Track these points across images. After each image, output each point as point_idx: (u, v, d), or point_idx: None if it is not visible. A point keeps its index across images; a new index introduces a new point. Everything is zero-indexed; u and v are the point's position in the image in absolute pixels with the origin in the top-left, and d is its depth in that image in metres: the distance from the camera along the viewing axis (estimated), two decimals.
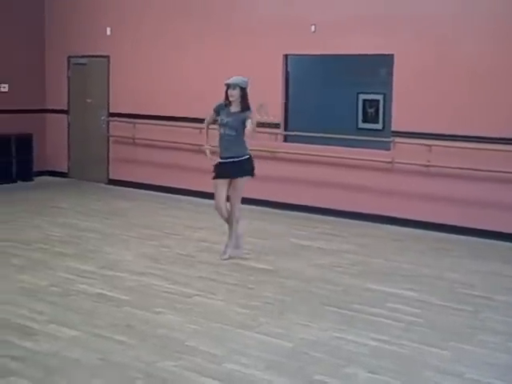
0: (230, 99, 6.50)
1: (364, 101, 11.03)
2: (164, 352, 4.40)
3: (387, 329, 4.92)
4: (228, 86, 6.52)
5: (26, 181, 11.36)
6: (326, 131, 9.30)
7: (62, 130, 11.82)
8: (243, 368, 4.17)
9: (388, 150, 8.73)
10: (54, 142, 11.98)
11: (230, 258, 6.72)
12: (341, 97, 10.91)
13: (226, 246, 6.81)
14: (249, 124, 6.36)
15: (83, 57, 11.36)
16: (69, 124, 11.77)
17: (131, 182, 10.81)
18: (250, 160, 6.63)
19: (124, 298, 5.49)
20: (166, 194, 10.32)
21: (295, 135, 9.63)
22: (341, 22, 8.92)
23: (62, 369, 4.11)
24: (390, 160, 8.59)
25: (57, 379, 3.96)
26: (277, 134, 9.52)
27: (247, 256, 6.90)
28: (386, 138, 8.98)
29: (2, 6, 11.09)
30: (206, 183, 9.93)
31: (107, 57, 11.05)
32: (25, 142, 11.35)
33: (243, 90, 6.50)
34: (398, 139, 8.56)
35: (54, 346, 4.45)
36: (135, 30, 10.75)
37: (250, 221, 8.72)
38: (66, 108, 11.74)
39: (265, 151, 9.42)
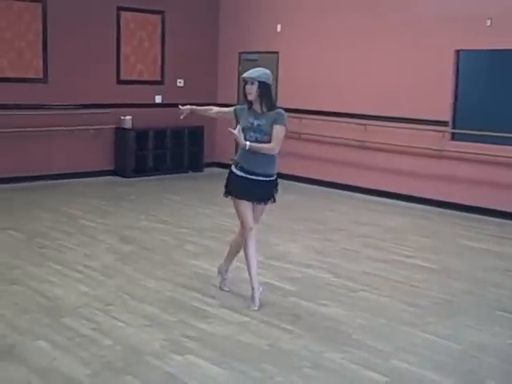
0: (248, 97, 5.06)
1: None
2: (331, 343, 4.48)
3: None
4: (245, 81, 5.09)
5: (196, 171, 11.94)
6: (496, 130, 8.93)
7: (231, 124, 12.21)
8: (410, 366, 4.16)
9: None
10: (222, 135, 12.45)
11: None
12: None
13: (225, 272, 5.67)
14: (275, 135, 4.99)
15: (254, 53, 11.72)
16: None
17: (293, 176, 11.01)
18: (277, 182, 5.29)
19: (290, 288, 5.64)
20: (327, 189, 10.42)
21: (463, 133, 9.33)
22: None
23: (234, 351, 4.31)
24: None
25: (230, 361, 4.16)
26: (444, 131, 9.28)
27: (412, 254, 6.82)
28: None
29: (181, 5, 11.70)
30: (365, 179, 10.04)
31: (277, 53, 11.32)
32: (196, 134, 11.93)
33: (265, 86, 5.04)
34: None
35: (226, 330, 4.68)
36: (304, 27, 10.91)
37: (415, 219, 8.63)
38: (235, 102, 12.16)
39: (430, 149, 9.27)
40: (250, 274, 5.28)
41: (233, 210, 8.69)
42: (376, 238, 7.46)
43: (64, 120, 10.46)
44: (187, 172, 11.82)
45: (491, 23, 8.71)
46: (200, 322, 4.79)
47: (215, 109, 5.80)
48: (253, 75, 5.02)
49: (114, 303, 5.14)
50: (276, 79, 11.39)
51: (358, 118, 10.02)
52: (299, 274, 6.01)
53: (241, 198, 5.16)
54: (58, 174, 10.50)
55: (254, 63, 11.74)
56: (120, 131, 11.15)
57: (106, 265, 6.16)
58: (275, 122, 5.01)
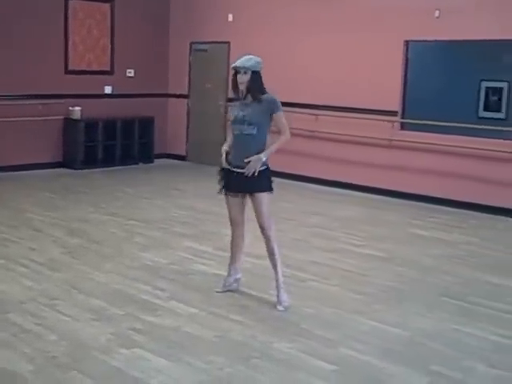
0: (240, 87, 4.86)
1: (487, 88, 10.64)
2: (280, 333, 4.48)
3: (508, 324, 4.77)
4: (236, 71, 4.89)
5: (147, 163, 11.80)
6: (445, 120, 9.07)
7: (182, 114, 12.18)
8: (359, 354, 4.18)
9: (511, 139, 8.39)
10: (173, 126, 12.38)
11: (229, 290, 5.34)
12: (462, 84, 10.59)
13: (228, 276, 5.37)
14: (281, 123, 4.89)
15: (205, 43, 11.64)
16: (188, 108, 12.11)
17: None
18: (268, 172, 5.01)
19: (240, 279, 5.61)
20: (279, 179, 10.36)
21: (412, 123, 9.44)
22: (467, 6, 8.63)
23: (182, 344, 4.27)
24: None
25: (177, 353, 4.12)
26: (394, 121, 9.38)
27: (361, 243, 6.87)
28: (509, 127, 8.66)
29: None
30: (316, 169, 10.07)
31: (228, 43, 11.26)
32: (147, 125, 11.79)
33: (256, 75, 4.84)
34: None
35: (174, 322, 4.63)
36: (255, 17, 10.87)
37: (364, 208, 8.70)
38: (186, 93, 12.07)
39: (381, 139, 9.36)
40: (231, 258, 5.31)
41: (183, 201, 8.76)
42: (326, 228, 7.50)
43: (11, 111, 10.21)
44: (138, 163, 11.69)
45: (439, 14, 8.82)
46: (148, 315, 4.73)
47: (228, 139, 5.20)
48: (246, 64, 4.81)
49: (60, 297, 5.04)
50: (227, 70, 11.34)
51: (309, 108, 10.06)
52: (249, 265, 5.98)
53: (227, 192, 5.08)
54: (4, 166, 10.25)
55: (205, 53, 11.70)
56: (69, 122, 10.95)
57: (53, 258, 6.04)
58: (272, 110, 4.85)
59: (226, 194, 5.11)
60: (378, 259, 6.36)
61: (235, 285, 5.32)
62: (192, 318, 4.73)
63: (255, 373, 3.89)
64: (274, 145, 4.92)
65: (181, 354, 4.11)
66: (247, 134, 4.85)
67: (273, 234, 5.05)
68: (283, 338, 4.40)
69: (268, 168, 4.99)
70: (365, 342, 4.38)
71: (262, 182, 4.97)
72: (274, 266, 5.06)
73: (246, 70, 4.81)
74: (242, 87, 4.86)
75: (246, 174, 4.85)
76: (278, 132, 4.97)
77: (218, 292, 5.25)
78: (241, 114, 4.88)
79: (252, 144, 4.87)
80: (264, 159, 4.85)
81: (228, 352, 4.17)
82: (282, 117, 4.89)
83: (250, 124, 4.84)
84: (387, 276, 5.83)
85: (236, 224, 5.20)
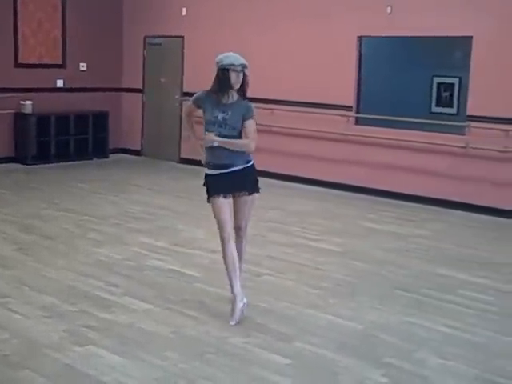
0: (236, 86, 4.57)
1: (439, 84, 10.82)
2: (234, 328, 4.48)
3: (459, 316, 4.86)
4: (233, 69, 4.56)
5: (102, 158, 11.65)
6: (398, 114, 9.19)
7: (137, 109, 12.06)
8: (313, 347, 4.21)
9: (463, 134, 8.56)
10: (128, 120, 12.25)
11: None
12: (415, 80, 10.74)
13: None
14: (249, 131, 4.57)
15: (158, 37, 11.54)
16: (143, 103, 12.00)
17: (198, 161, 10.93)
18: (254, 169, 4.80)
19: (195, 274, 5.60)
20: None
21: (367, 118, 9.54)
22: (418, 3, 8.75)
23: (136, 340, 4.24)
24: (464, 145, 8.42)
25: (132, 350, 4.09)
26: (348, 116, 9.46)
27: (317, 237, 6.92)
28: (460, 122, 8.82)
29: None
30: (272, 163, 10.10)
31: (182, 37, 11.19)
32: (101, 120, 11.63)
33: (245, 74, 4.64)
34: (473, 124, 8.37)
35: (129, 318, 4.59)
36: (210, 11, 10.82)
37: (320, 202, 8.77)
38: (140, 87, 11.96)
39: (336, 133, 9.44)
40: (230, 283, 4.62)
41: (137, 197, 8.69)
42: (282, 223, 7.53)
43: None
44: (92, 159, 11.52)
45: (391, 10, 8.92)
46: (102, 312, 4.68)
47: (187, 119, 5.06)
48: (244, 62, 4.55)
49: (12, 295, 4.95)
50: (181, 64, 11.29)
51: (264, 103, 10.03)
52: (204, 260, 5.97)
53: (214, 194, 4.62)
54: None
55: (159, 48, 11.61)
56: (20, 116, 10.74)
57: (4, 255, 5.92)
58: (245, 116, 4.55)
59: (214, 198, 4.64)
60: (333, 253, 6.41)
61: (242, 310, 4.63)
62: (146, 314, 4.70)
63: (210, 368, 3.89)
64: (235, 140, 4.56)
65: (135, 350, 4.08)
66: (228, 136, 4.54)
67: (246, 236, 4.94)
68: (238, 332, 4.41)
69: (253, 164, 4.76)
70: (320, 335, 4.41)
71: (255, 181, 4.80)
72: (240, 267, 4.78)
73: (243, 67, 4.56)
74: (238, 86, 4.56)
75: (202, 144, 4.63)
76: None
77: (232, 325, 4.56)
78: (221, 115, 4.54)
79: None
80: (215, 144, 4.53)
81: (183, 348, 4.16)
82: (253, 126, 4.60)
83: (231, 128, 4.55)
84: (342, 270, 5.88)
85: (227, 227, 4.64)
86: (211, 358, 4.02)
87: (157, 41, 11.61)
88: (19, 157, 10.80)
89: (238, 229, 4.84)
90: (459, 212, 8.36)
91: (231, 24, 10.55)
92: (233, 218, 4.77)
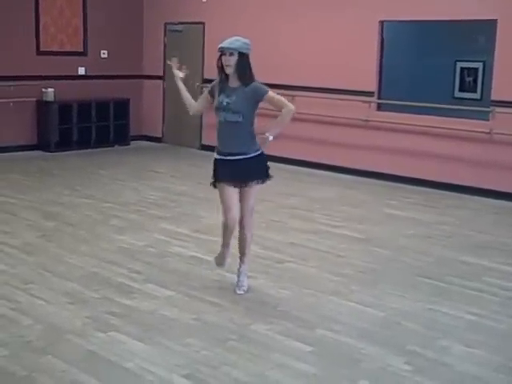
0: (226, 70, 4.57)
1: (462, 69, 10.69)
2: (256, 315, 4.48)
3: (483, 303, 4.81)
4: (223, 52, 4.59)
5: (123, 145, 11.69)
6: (420, 100, 9.09)
7: (158, 96, 12.07)
8: (335, 335, 4.19)
9: (487, 120, 8.44)
10: (149, 108, 12.26)
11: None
12: (438, 65, 10.62)
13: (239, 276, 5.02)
14: (276, 101, 4.62)
15: (179, 24, 11.51)
16: (164, 90, 12.00)
17: None
18: (263, 157, 4.76)
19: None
20: None
21: (389, 104, 9.45)
22: None
23: (158, 327, 4.25)
24: (488, 130, 8.31)
25: (154, 336, 4.10)
26: (370, 102, 9.37)
27: (339, 224, 6.89)
28: (484, 107, 8.70)
29: None
30: (294, 150, 10.06)
31: (202, 23, 11.14)
32: (122, 107, 11.66)
33: (244, 57, 4.58)
34: (498, 109, 8.25)
35: (151, 305, 4.61)
36: None
37: (342, 189, 8.72)
38: (161, 74, 11.95)
39: (357, 119, 9.37)
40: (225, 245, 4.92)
41: (159, 183, 8.70)
42: (303, 209, 7.50)
43: None
44: (113, 146, 11.57)
45: None
46: (124, 298, 4.70)
47: (194, 105, 4.97)
48: (232, 45, 4.52)
49: (35, 281, 4.99)
50: (202, 51, 11.25)
51: (285, 89, 9.96)
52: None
53: (220, 181, 4.68)
54: None
55: (180, 34, 11.59)
56: (42, 104, 10.80)
57: (27, 242, 5.97)
58: (258, 96, 4.56)
59: (219, 183, 4.71)
60: (355, 240, 6.37)
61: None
62: (168, 300, 4.71)
63: (232, 355, 3.89)
64: (277, 120, 4.58)
65: (157, 336, 4.09)
66: (232, 122, 4.57)
67: (250, 235, 4.97)
68: (260, 319, 4.40)
69: (263, 153, 4.73)
70: (342, 322, 4.39)
71: (259, 169, 4.74)
72: (243, 254, 4.96)
73: (232, 51, 4.52)
74: (229, 70, 4.55)
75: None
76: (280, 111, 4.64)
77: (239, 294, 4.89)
78: (225, 100, 4.57)
79: (238, 131, 4.60)
80: (271, 138, 4.50)
81: (205, 334, 4.16)
82: (273, 96, 4.59)
83: (234, 112, 4.56)
84: (364, 257, 5.85)
85: (231, 213, 4.71)
86: (233, 344, 4.02)
87: (177, 27, 11.58)
88: (41, 144, 10.88)
89: (242, 216, 4.84)
90: (482, 198, 8.26)
91: (252, 10, 10.48)
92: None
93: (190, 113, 5.04)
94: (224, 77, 4.63)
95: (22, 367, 3.67)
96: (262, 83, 4.69)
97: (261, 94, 4.59)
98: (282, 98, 4.65)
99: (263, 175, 4.77)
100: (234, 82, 4.61)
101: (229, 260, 5.05)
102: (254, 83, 4.61)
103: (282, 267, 5.52)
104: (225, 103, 4.57)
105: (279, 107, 4.63)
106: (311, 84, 9.83)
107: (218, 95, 4.64)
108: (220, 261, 5.04)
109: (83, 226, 6.56)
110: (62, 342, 4.00)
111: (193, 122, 11.55)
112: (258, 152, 4.70)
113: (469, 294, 5.01)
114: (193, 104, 4.96)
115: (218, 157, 4.73)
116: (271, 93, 4.60)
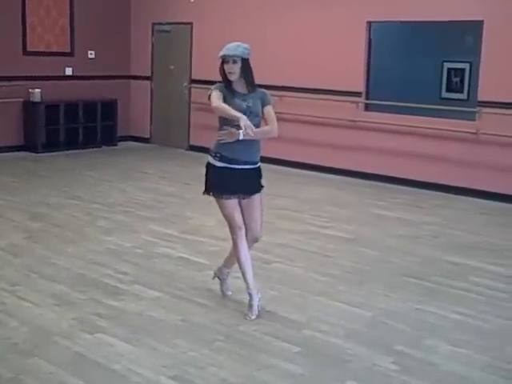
0: (230, 78, 4.43)
1: (449, 69, 10.74)
2: (243, 316, 4.46)
3: (470, 303, 4.83)
4: (225, 60, 4.45)
5: (110, 146, 11.65)
6: (407, 100, 9.12)
7: (145, 96, 12.04)
8: (323, 335, 4.20)
9: (473, 120, 8.48)
10: (137, 108, 12.23)
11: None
12: (425, 65, 10.67)
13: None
14: (271, 117, 4.48)
15: (167, 24, 11.49)
16: (151, 90, 11.97)
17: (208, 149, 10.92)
18: (260, 168, 4.61)
19: (205, 262, 5.58)
20: None
21: (376, 104, 9.48)
22: None
23: (146, 328, 4.24)
24: (475, 131, 8.35)
25: (141, 337, 4.08)
26: (358, 102, 9.39)
27: (327, 224, 6.90)
28: (471, 108, 8.74)
29: None
30: (281, 151, 10.06)
31: (190, 24, 11.13)
32: (110, 108, 11.63)
33: (247, 62, 4.46)
34: (484, 109, 8.29)
35: (138, 306, 4.59)
36: None
37: (329, 189, 8.73)
38: (149, 74, 11.92)
39: (345, 120, 9.38)
40: (245, 281, 4.52)
41: (146, 184, 8.68)
42: (291, 210, 7.51)
43: None
44: (101, 146, 11.53)
45: None
46: (111, 299, 4.68)
47: (220, 103, 4.41)
48: (237, 53, 4.38)
49: (21, 283, 4.96)
50: (190, 51, 11.24)
51: (273, 90, 9.94)
52: (214, 248, 5.96)
53: (223, 194, 4.42)
54: None
55: (167, 34, 11.57)
56: (29, 105, 10.75)
57: (13, 243, 5.94)
58: (264, 102, 4.46)
59: (223, 195, 4.44)
60: (343, 240, 6.39)
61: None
62: (156, 301, 4.70)
63: (220, 356, 3.88)
64: (258, 129, 4.39)
65: (145, 338, 4.08)
66: (254, 125, 4.28)
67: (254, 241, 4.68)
68: (247, 320, 4.39)
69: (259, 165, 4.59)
70: (329, 323, 4.39)
71: (260, 178, 4.58)
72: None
73: (235, 58, 4.39)
74: (233, 77, 4.41)
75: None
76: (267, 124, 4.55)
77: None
78: (244, 104, 4.37)
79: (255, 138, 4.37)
80: (241, 137, 4.22)
81: (192, 335, 4.15)
82: (272, 111, 4.50)
83: (256, 115, 4.40)
84: (351, 257, 5.86)
85: (239, 226, 4.49)
86: (220, 345, 4.02)
87: (165, 28, 11.57)
88: (28, 145, 10.82)
89: (254, 237, 4.61)
90: (469, 198, 8.30)
91: (240, 11, 10.48)
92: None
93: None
94: (228, 83, 4.47)
95: (8, 369, 3.65)
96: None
97: (267, 102, 4.49)
98: (275, 118, 4.52)
99: (262, 186, 4.61)
100: (240, 88, 4.47)
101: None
102: (260, 89, 4.53)
103: (270, 268, 5.52)
104: (244, 106, 4.37)
105: (269, 121, 4.51)
106: (299, 84, 9.84)
107: (232, 99, 4.40)
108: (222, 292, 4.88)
109: (70, 227, 6.53)
110: (49, 343, 3.98)
111: (181, 122, 11.54)
112: (259, 163, 4.58)
113: (455, 293, 5.02)
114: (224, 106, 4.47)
115: (218, 164, 4.44)
116: (272, 106, 4.52)
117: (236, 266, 4.65)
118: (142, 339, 4.06)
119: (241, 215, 4.49)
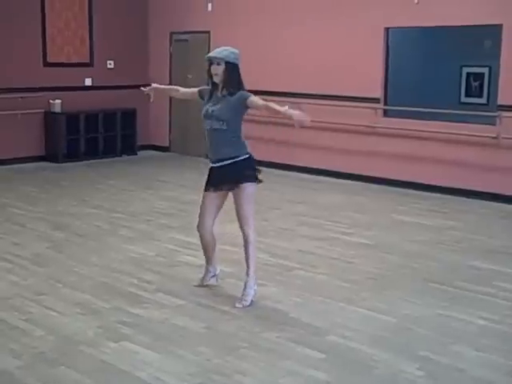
0: (215, 79, 4.64)
1: (468, 74, 10.70)
2: (267, 323, 4.48)
3: (495, 308, 4.80)
4: (210, 62, 4.66)
5: (130, 155, 11.73)
6: (427, 106, 9.10)
7: (164, 105, 12.09)
8: (347, 341, 4.19)
9: (493, 124, 8.43)
10: (156, 117, 12.30)
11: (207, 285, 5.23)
12: (443, 70, 10.63)
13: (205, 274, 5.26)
14: (256, 101, 4.61)
15: (185, 33, 11.56)
16: (170, 99, 12.03)
17: None
18: (250, 161, 4.84)
19: (226, 269, 5.58)
20: (263, 168, 10.37)
21: (395, 110, 9.46)
22: None
23: (170, 336, 4.26)
24: (495, 135, 8.30)
25: (166, 345, 4.11)
26: (376, 108, 9.38)
27: (347, 230, 6.89)
28: (491, 112, 8.70)
29: None
30: (300, 157, 10.07)
31: (208, 32, 11.19)
32: (129, 117, 11.71)
33: (232, 66, 4.60)
34: (504, 113, 8.24)
35: (162, 314, 4.62)
36: (235, 6, 10.81)
37: (349, 195, 8.72)
38: (168, 83, 11.97)
39: (364, 126, 9.38)
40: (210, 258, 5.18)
41: (167, 193, 8.72)
42: (311, 216, 7.50)
43: None
44: (121, 155, 11.61)
45: (419, 0, 8.81)
46: (135, 308, 4.71)
47: (181, 90, 5.37)
48: (219, 55, 4.58)
49: (46, 292, 5.01)
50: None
51: (291, 97, 9.99)
52: (235, 255, 5.97)
53: (206, 189, 4.91)
54: None
55: (185, 43, 11.64)
56: (49, 115, 10.86)
57: (37, 253, 6.00)
58: (243, 100, 4.60)
59: (206, 191, 4.92)
60: (364, 246, 6.37)
61: (213, 279, 5.23)
62: (179, 309, 4.72)
63: (244, 363, 3.89)
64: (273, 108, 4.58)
65: (169, 346, 4.10)
66: (216, 129, 4.69)
67: (252, 234, 4.86)
68: (271, 327, 4.41)
69: (251, 157, 4.84)
70: (353, 329, 4.39)
71: (246, 172, 4.79)
72: (247, 266, 4.90)
73: (219, 60, 4.58)
74: (217, 79, 4.63)
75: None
76: (267, 110, 4.66)
77: (195, 286, 5.19)
78: (210, 109, 4.69)
79: (223, 138, 4.71)
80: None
81: (216, 343, 4.17)
82: (255, 97, 4.62)
83: (218, 120, 4.66)
84: (373, 263, 5.85)
85: (203, 221, 4.97)
86: (245, 352, 4.03)
87: (183, 37, 11.64)
88: (49, 155, 10.93)
89: (240, 226, 4.91)
90: (490, 203, 8.25)
91: (257, 18, 10.52)
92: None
93: (174, 93, 5.57)
94: (213, 85, 4.73)
95: (35, 378, 3.69)
96: (261, 91, 4.75)
97: (245, 97, 4.62)
98: (260, 100, 4.66)
99: (252, 178, 4.83)
100: (221, 91, 4.70)
101: (210, 280, 5.18)
102: (239, 92, 4.66)
103: (292, 275, 5.53)
104: (210, 111, 4.70)
105: (261, 107, 4.63)
106: (317, 91, 9.85)
107: (206, 103, 4.78)
108: (200, 280, 5.21)
109: (92, 237, 6.58)
110: (75, 352, 4.01)
111: (199, 131, 11.56)
112: (247, 155, 4.81)
113: (480, 298, 5.00)
114: (180, 89, 5.39)
115: (210, 165, 4.91)
116: (254, 97, 4.64)
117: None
118: (166, 347, 4.09)
119: (211, 209, 4.93)
